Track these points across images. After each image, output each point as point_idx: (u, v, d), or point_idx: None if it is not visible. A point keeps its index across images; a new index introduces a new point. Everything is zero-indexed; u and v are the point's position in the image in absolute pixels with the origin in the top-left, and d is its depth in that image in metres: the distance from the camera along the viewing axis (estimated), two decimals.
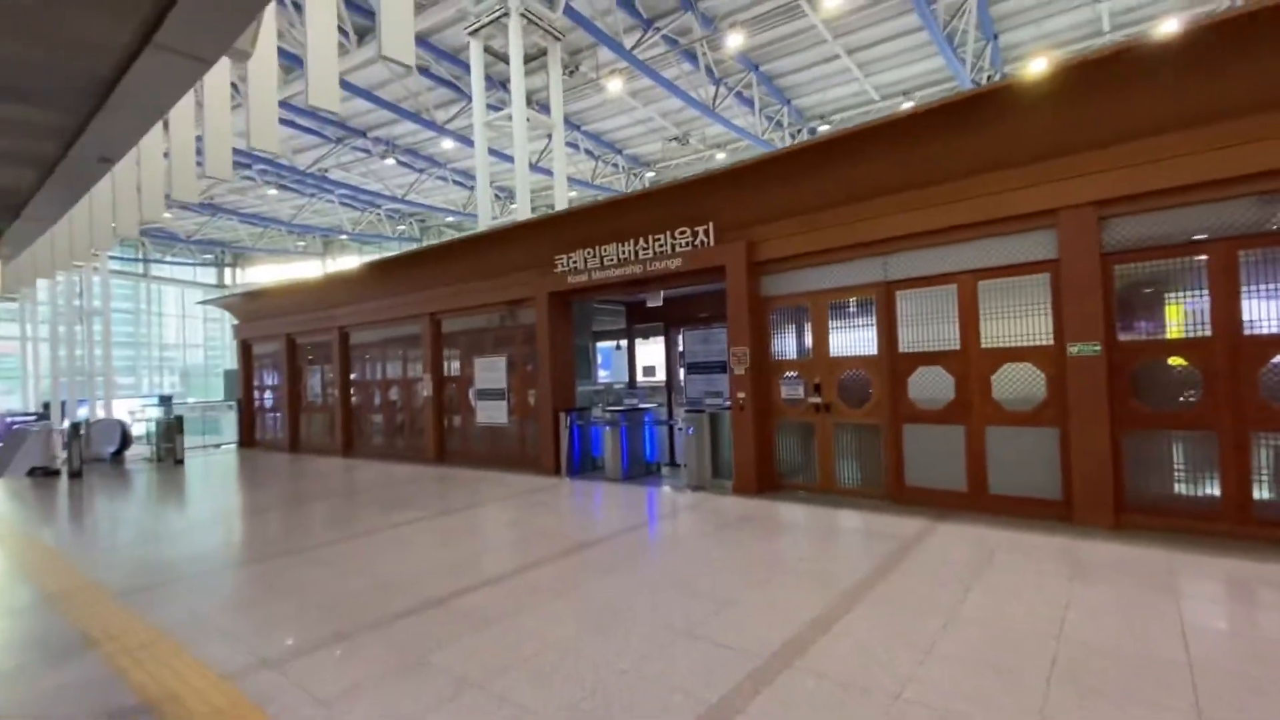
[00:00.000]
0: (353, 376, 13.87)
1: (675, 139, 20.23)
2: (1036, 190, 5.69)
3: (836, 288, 7.17)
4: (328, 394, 14.33)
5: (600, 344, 13.62)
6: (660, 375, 12.41)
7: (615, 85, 16.01)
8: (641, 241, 8.46)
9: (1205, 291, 5.13)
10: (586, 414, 9.59)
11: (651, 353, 13.14)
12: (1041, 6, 13.33)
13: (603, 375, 15.40)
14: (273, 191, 23.55)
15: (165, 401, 14.23)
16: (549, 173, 17.96)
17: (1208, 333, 5.11)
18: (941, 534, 5.49)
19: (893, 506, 6.56)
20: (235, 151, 19.47)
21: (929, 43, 14.20)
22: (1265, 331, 4.91)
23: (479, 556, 5.44)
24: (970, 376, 6.24)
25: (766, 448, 7.67)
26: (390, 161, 20.99)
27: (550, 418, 9.48)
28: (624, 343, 12.42)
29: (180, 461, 13.27)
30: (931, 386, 6.52)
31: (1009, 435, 6.04)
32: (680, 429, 8.04)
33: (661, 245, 8.28)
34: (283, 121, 18.11)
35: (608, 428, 8.93)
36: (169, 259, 32.37)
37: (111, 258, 30.64)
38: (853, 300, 7.08)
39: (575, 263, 9.18)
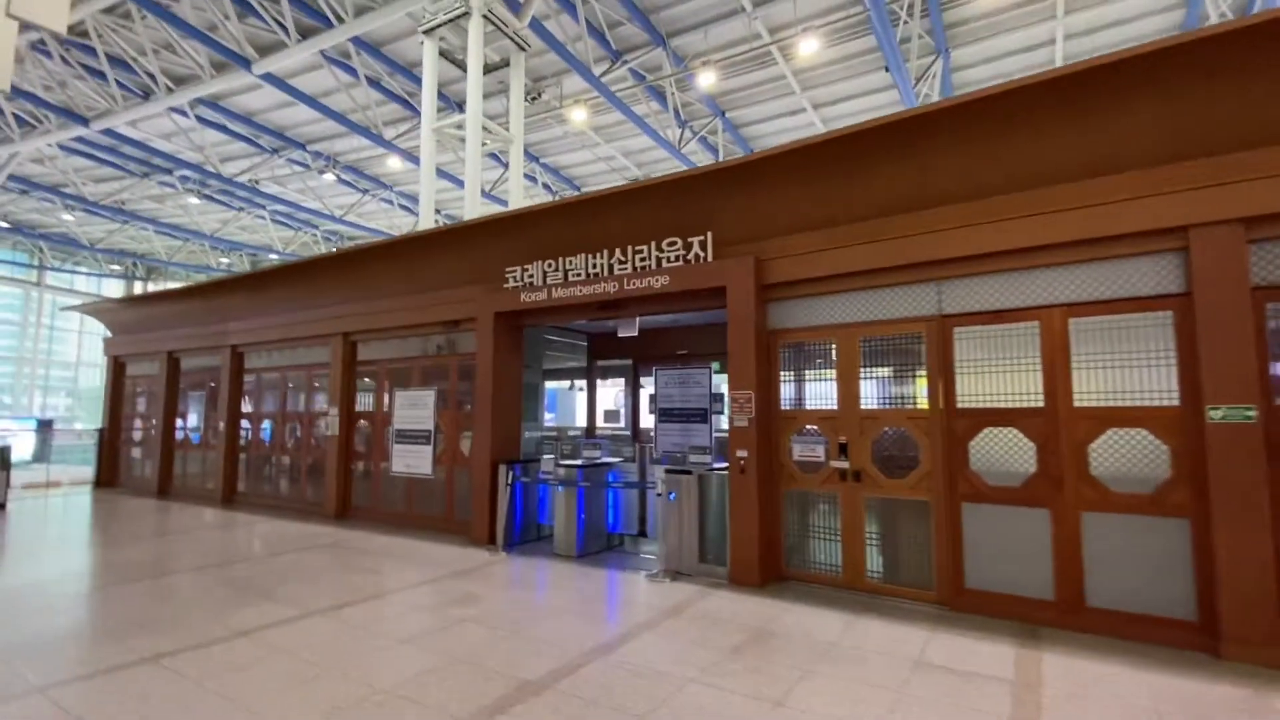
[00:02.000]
0: (245, 408, 11.33)
1: (637, 181, 19.12)
2: (1160, 201, 4.30)
3: (873, 320, 5.58)
4: (212, 427, 11.67)
5: (550, 383, 11.69)
6: (622, 421, 10.56)
7: (579, 115, 14.69)
8: (618, 253, 6.72)
9: None
10: (533, 468, 7.57)
11: (610, 395, 11.29)
12: (1000, 76, 12.87)
13: (548, 419, 13.41)
14: (194, 200, 20.78)
15: (44, 426, 11.28)
16: (504, 203, 16.38)
17: None
18: (1053, 675, 3.77)
19: (951, 617, 4.84)
20: (157, 154, 17.17)
21: (898, 102, 13.64)
22: None
23: (354, 713, 3.32)
24: (1059, 444, 4.69)
25: (773, 524, 5.87)
26: (330, 178, 18.82)
27: (487, 471, 7.40)
28: (581, 383, 10.53)
29: (1, 506, 10.28)
30: (1003, 455, 4.93)
31: (1116, 526, 4.47)
32: (658, 494, 6.17)
33: (644, 259, 6.55)
34: (211, 124, 15.97)
35: (561, 488, 6.94)
36: (69, 268, 28.48)
37: None
38: (894, 337, 5.49)
39: (531, 277, 7.32)
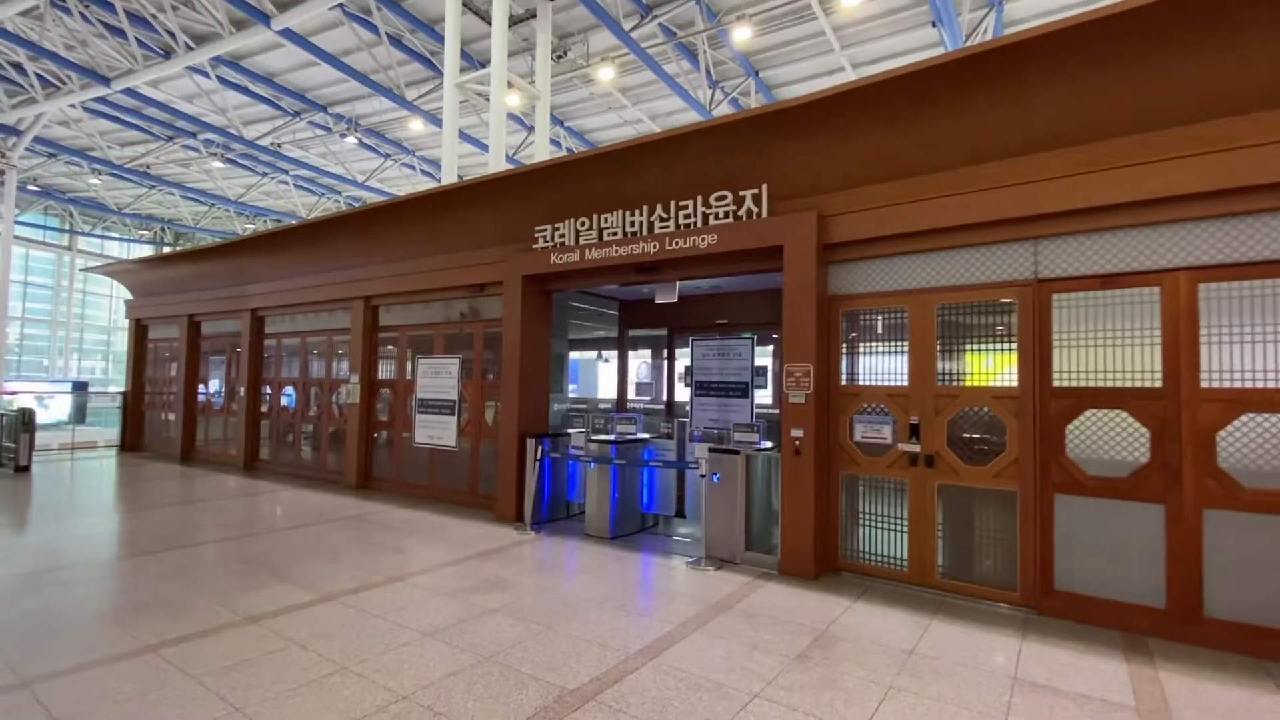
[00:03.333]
0: (266, 374, 11.03)
1: (681, 127, 18.22)
2: None
3: (954, 285, 4.91)
4: (233, 392, 11.43)
5: (574, 354, 11.20)
6: (653, 395, 10.03)
7: (606, 74, 13.85)
8: (659, 210, 6.09)
9: None
10: (561, 442, 7.09)
11: (640, 366, 10.74)
12: None
13: (570, 390, 12.98)
14: (218, 164, 20.42)
15: (79, 389, 11.17)
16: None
17: None
18: (1180, 701, 3.20)
19: (1039, 622, 4.27)
20: (181, 116, 16.77)
21: None
22: None
23: None
24: (1179, 430, 4.02)
25: (830, 511, 5.32)
26: (352, 141, 18.25)
27: (515, 445, 6.94)
28: (609, 353, 10.00)
29: (24, 468, 10.18)
30: (1108, 441, 4.28)
31: (1247, 527, 3.82)
32: (701, 475, 5.64)
33: (689, 216, 5.91)
34: (232, 85, 15.49)
35: (593, 464, 6.45)
36: (99, 233, 28.59)
37: (28, 224, 26.76)
38: (978, 305, 4.83)
39: (563, 236, 6.73)
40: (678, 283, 6.45)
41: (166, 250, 29.98)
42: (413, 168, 20.38)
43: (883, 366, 5.26)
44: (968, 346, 4.90)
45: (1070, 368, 4.42)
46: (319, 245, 9.57)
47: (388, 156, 19.74)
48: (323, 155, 20.10)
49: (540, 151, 13.09)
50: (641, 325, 9.10)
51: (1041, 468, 4.45)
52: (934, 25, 11.65)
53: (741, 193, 5.59)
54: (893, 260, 5.18)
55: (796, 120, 5.30)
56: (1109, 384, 4.28)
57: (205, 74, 14.70)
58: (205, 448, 11.93)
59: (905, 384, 5.08)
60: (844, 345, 5.42)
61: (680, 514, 6.80)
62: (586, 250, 6.46)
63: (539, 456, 6.59)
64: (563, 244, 6.68)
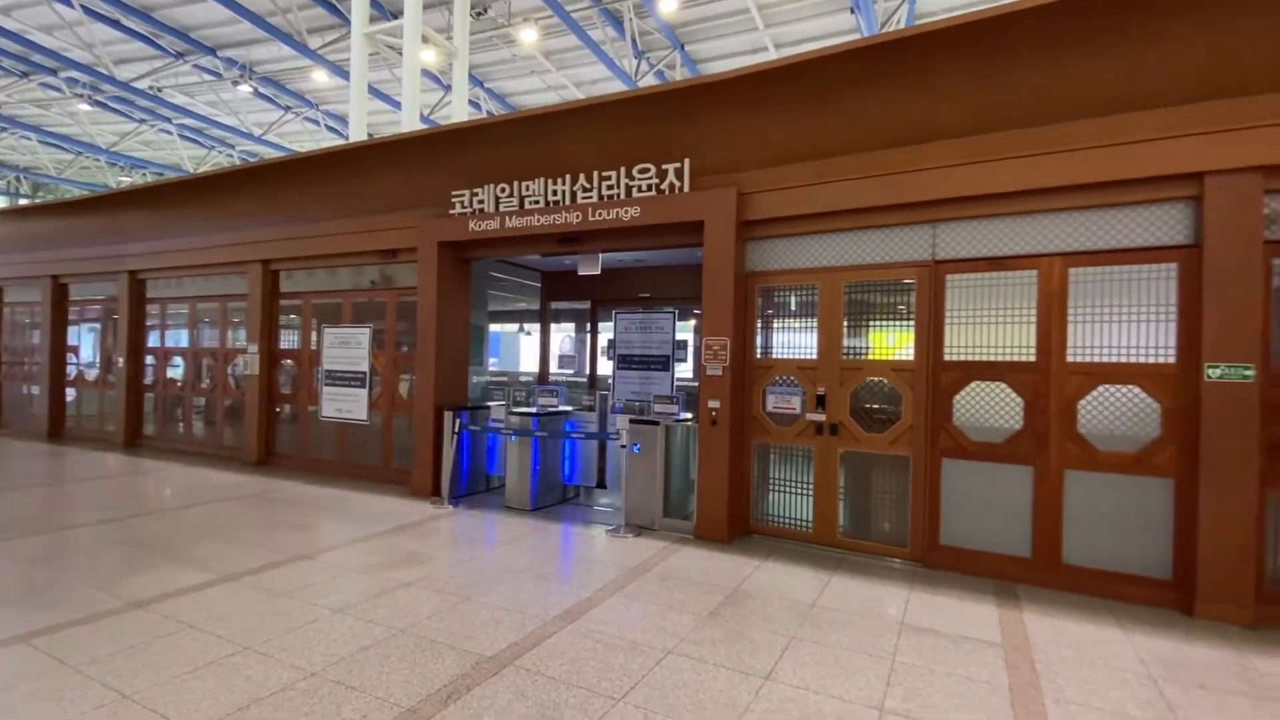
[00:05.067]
0: (150, 343, 10.08)
1: (607, 95, 17.91)
2: (1179, 144, 4.00)
3: (860, 264, 5.18)
4: (111, 363, 10.37)
5: (495, 326, 10.97)
6: (577, 368, 10.02)
7: (529, 36, 13.38)
8: (583, 179, 6.01)
9: None
10: (480, 415, 6.97)
11: (563, 339, 10.67)
12: None
13: (491, 364, 12.77)
14: (84, 107, 18.04)
15: None
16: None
17: None
18: (1040, 637, 3.64)
19: (926, 574, 4.69)
20: (37, 49, 14.56)
21: None
22: None
23: (276, 704, 2.78)
24: (1048, 400, 4.49)
25: (743, 478, 5.56)
26: (246, 90, 16.62)
27: (431, 418, 6.75)
28: (532, 326, 9.87)
29: None
30: (989, 410, 4.71)
31: (1098, 485, 4.35)
32: (621, 445, 5.72)
33: (612, 187, 5.88)
34: (101, 18, 13.59)
35: (514, 437, 6.39)
36: None
37: None
38: (881, 283, 5.13)
39: (481, 203, 6.52)
40: (600, 255, 6.43)
41: (24, 203, 26.45)
42: (317, 123, 18.96)
43: (794, 340, 5.51)
44: (871, 322, 5.21)
45: (960, 343, 4.82)
46: (211, 203, 8.78)
47: (288, 109, 18.25)
48: (212, 104, 18.29)
49: (458, 112, 12.55)
50: (564, 298, 9.03)
51: (932, 435, 4.85)
52: (852, 11, 12.05)
53: (664, 166, 5.62)
54: (806, 239, 5.40)
55: (718, 96, 5.36)
56: (992, 358, 4.70)
57: (67, 2, 12.93)
58: (78, 424, 10.82)
59: (814, 357, 5.35)
60: (759, 320, 5.63)
61: (601, 485, 6.89)
62: (507, 218, 6.30)
63: (457, 430, 6.46)
64: (482, 210, 6.48)
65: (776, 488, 5.55)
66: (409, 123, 11.23)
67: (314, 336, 8.21)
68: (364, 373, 7.66)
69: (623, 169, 5.82)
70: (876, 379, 5.13)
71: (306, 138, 20.54)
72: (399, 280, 7.50)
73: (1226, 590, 3.87)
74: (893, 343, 5.14)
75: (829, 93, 4.95)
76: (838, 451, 5.24)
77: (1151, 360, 4.22)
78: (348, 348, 7.78)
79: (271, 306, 8.55)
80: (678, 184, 5.57)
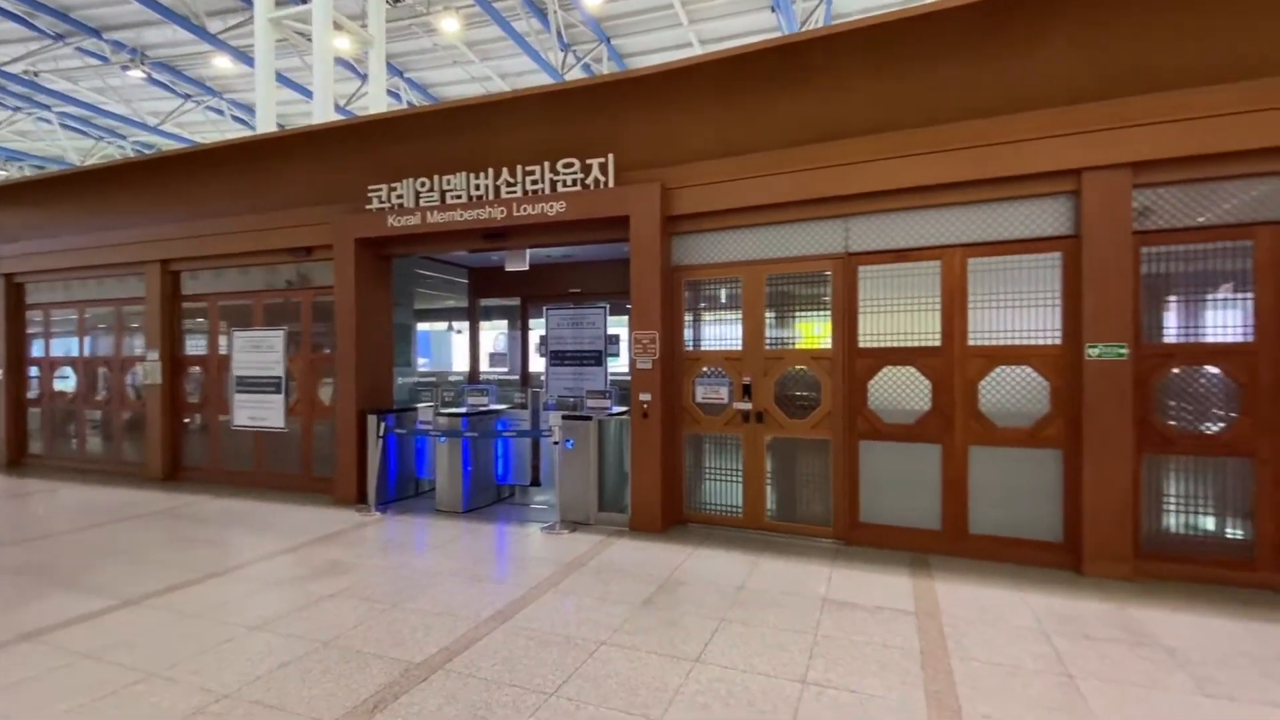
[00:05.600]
0: (32, 352, 9.19)
1: (530, 88, 17.62)
2: (1058, 143, 4.36)
3: (780, 258, 5.36)
4: None
5: (423, 325, 10.67)
6: (509, 366, 9.88)
7: (450, 25, 13.01)
8: (506, 174, 5.92)
9: (1248, 286, 4.14)
10: (408, 417, 6.77)
11: (494, 337, 10.49)
12: None
13: (421, 364, 12.44)
14: None
15: None
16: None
17: (1249, 338, 4.13)
18: (948, 602, 3.90)
19: (848, 551, 4.94)
20: None
21: None
22: None
23: None
24: (952, 382, 4.81)
25: (675, 468, 5.66)
26: (138, 76, 15.33)
27: (354, 423, 6.50)
28: (462, 324, 9.65)
29: None
30: (900, 393, 5.00)
31: (998, 459, 4.70)
32: (554, 442, 5.70)
33: (536, 181, 5.82)
34: None
35: (443, 439, 6.25)
36: None
37: None
38: (800, 276, 5.33)
39: (400, 198, 6.32)
40: (528, 250, 6.36)
41: None
42: (221, 112, 17.76)
43: (721, 332, 5.65)
44: (792, 313, 5.41)
45: (873, 331, 5.07)
46: (99, 199, 8.08)
47: (187, 97, 17.00)
48: (99, 90, 16.79)
49: (376, 103, 12.07)
50: (493, 294, 8.87)
51: (849, 418, 5.10)
52: (773, 10, 12.37)
53: (589, 161, 5.62)
54: (729, 233, 5.53)
55: (640, 92, 5.41)
56: (902, 344, 4.98)
57: None
58: None
59: (740, 348, 5.50)
60: (687, 313, 5.73)
61: (536, 482, 6.85)
62: (428, 213, 6.13)
63: (382, 434, 6.24)
64: (401, 206, 6.27)
65: (708, 476, 5.68)
66: (322, 113, 10.70)
67: (223, 341, 7.72)
68: (279, 378, 7.27)
69: (547, 164, 5.77)
70: (798, 367, 5.33)
71: (210, 128, 19.19)
72: (316, 279, 7.16)
73: (1109, 549, 4.28)
74: (812, 332, 5.35)
75: (747, 90, 5.09)
76: (764, 438, 5.42)
77: (1041, 342, 4.59)
78: (260, 352, 7.37)
79: (173, 310, 7.97)
80: (602, 179, 5.58)
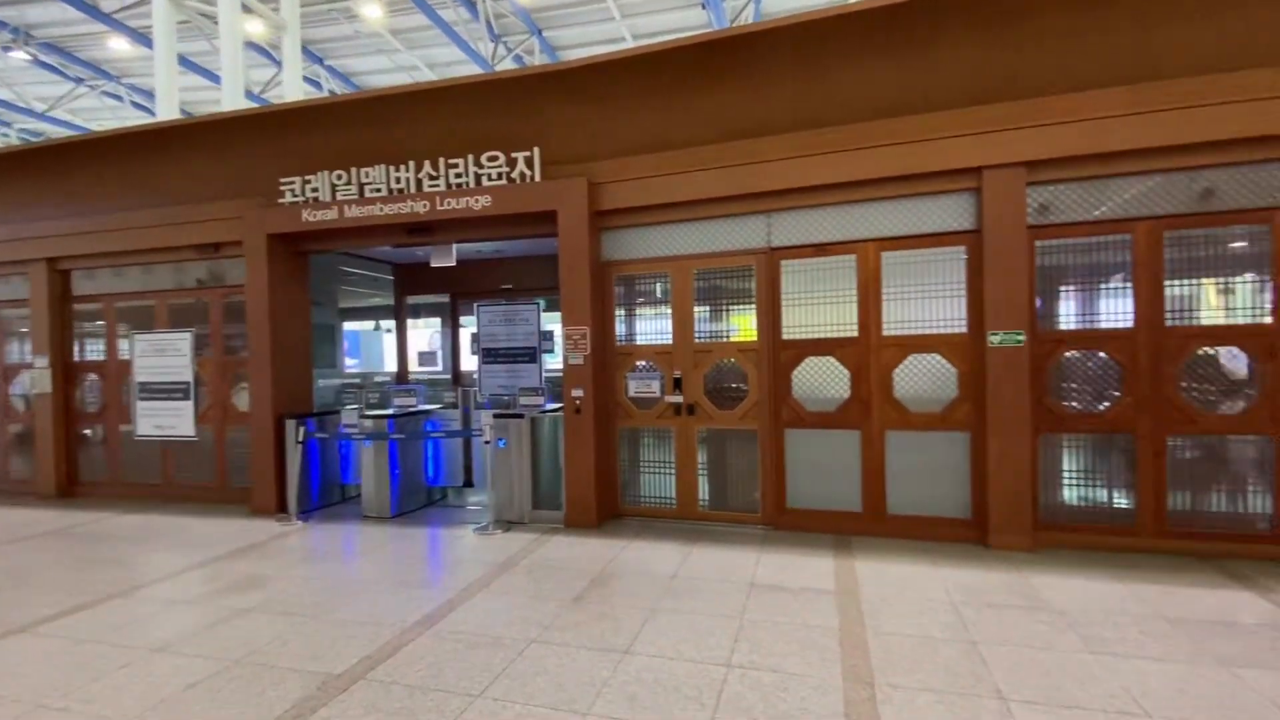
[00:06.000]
0: None
1: (452, 79, 17.12)
2: (960, 143, 4.62)
3: (706, 253, 5.46)
4: None
5: (353, 324, 10.27)
6: (440, 364, 9.63)
7: (373, 12, 12.52)
8: (429, 167, 5.76)
9: (1128, 276, 4.52)
10: (331, 421, 6.51)
11: (425, 335, 10.19)
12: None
13: (350, 365, 11.95)
14: None
15: None
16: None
17: (1129, 324, 4.51)
18: (867, 580, 4.10)
19: (776, 536, 5.10)
20: None
21: None
22: (1189, 323, 4.42)
23: None
24: (869, 370, 5.03)
25: (609, 463, 5.68)
26: (21, 57, 13.98)
27: (271, 428, 6.18)
28: (389, 323, 9.32)
29: None
30: (822, 382, 5.18)
31: (913, 442, 4.96)
32: (485, 441, 5.61)
33: (460, 175, 5.69)
34: None
35: (368, 442, 6.03)
36: None
37: None
38: (727, 270, 5.44)
39: (316, 191, 6.04)
40: (454, 246, 6.21)
41: None
42: (119, 98, 16.46)
43: (651, 327, 5.71)
44: (720, 307, 5.52)
45: (795, 323, 5.24)
46: None
47: (80, 81, 15.67)
48: None
49: (291, 91, 11.51)
50: (421, 291, 8.61)
51: (775, 408, 5.25)
52: (703, 6, 12.51)
53: (514, 154, 5.53)
54: (658, 228, 5.58)
55: (567, 85, 5.37)
56: (823, 335, 5.17)
57: None
58: None
59: (670, 342, 5.57)
60: (618, 308, 5.75)
61: (469, 484, 6.72)
62: (345, 207, 5.89)
63: (302, 439, 5.97)
64: (316, 199, 6.00)
65: (642, 469, 5.73)
66: (231, 100, 10.11)
67: (124, 345, 7.17)
68: (187, 383, 6.83)
69: (471, 156, 5.65)
70: (726, 360, 5.45)
71: (108, 114, 17.74)
72: (230, 278, 6.74)
73: (1011, 523, 4.59)
74: (739, 325, 5.48)
75: (673, 86, 5.14)
76: (695, 430, 5.51)
77: (949, 331, 4.87)
78: (166, 356, 6.89)
79: (63, 312, 7.35)
80: (529, 173, 5.51)
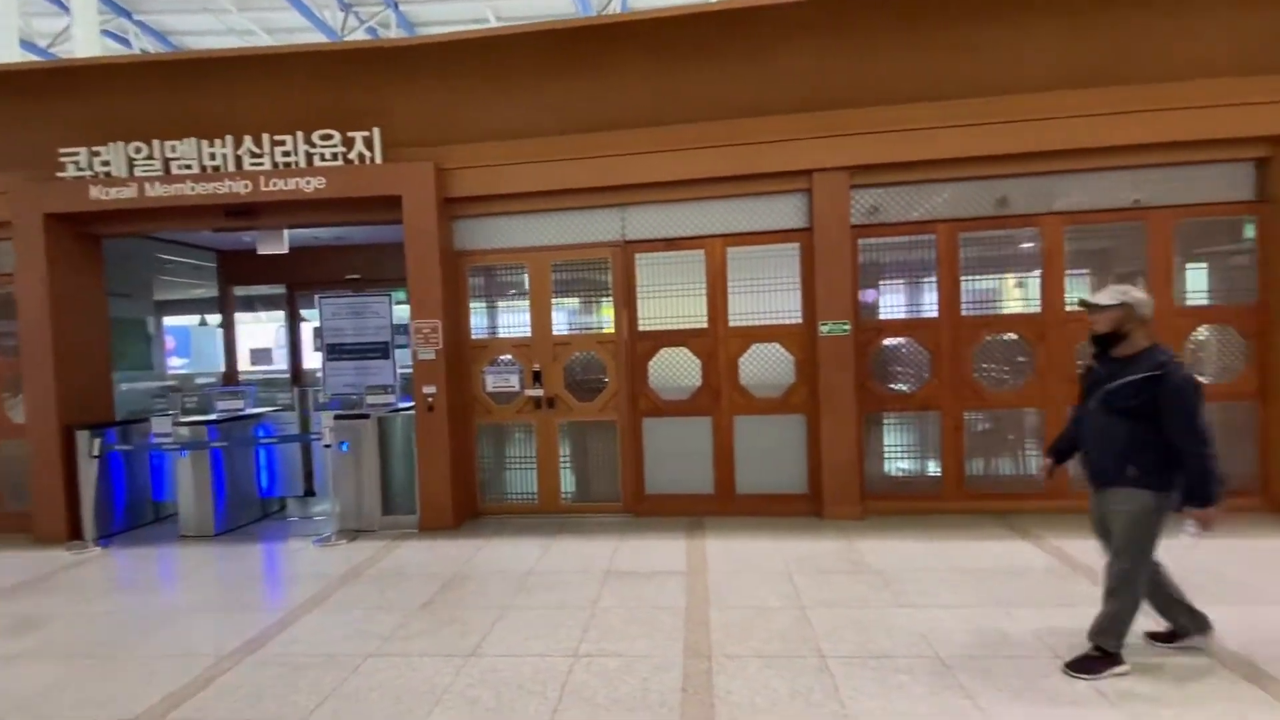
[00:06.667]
0: None
1: (277, 46, 15.50)
2: (794, 146, 4.95)
3: (564, 245, 5.42)
4: None
5: (173, 319, 9.06)
6: (280, 362, 8.78)
7: None
8: (250, 142, 5.17)
9: (934, 271, 5.12)
10: (139, 431, 5.68)
11: (271, 331, 9.23)
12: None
13: (176, 366, 10.65)
14: None
15: None
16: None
17: (934, 314, 5.11)
18: (715, 559, 4.32)
19: (635, 523, 5.22)
20: None
21: None
22: (982, 313, 5.08)
23: None
24: (718, 359, 5.29)
25: (467, 461, 5.49)
26: None
27: (56, 441, 5.27)
28: (217, 316, 8.33)
29: None
30: (676, 372, 5.37)
31: (758, 425, 5.29)
32: (325, 445, 5.18)
33: (289, 153, 5.17)
34: None
35: (184, 453, 5.34)
36: None
37: None
38: (584, 262, 5.44)
39: (107, 165, 5.21)
40: (285, 231, 5.65)
41: None
42: None
43: (509, 320, 5.59)
44: (578, 299, 5.52)
45: (650, 314, 5.38)
46: None
47: None
48: None
49: (86, 46, 9.83)
50: (252, 281, 7.75)
51: (633, 398, 5.36)
52: None
53: (351, 134, 5.13)
54: (513, 218, 5.45)
55: (412, 63, 5.10)
56: (676, 327, 5.35)
57: None
58: None
59: (529, 335, 5.48)
60: (473, 300, 5.56)
61: (311, 492, 6.18)
62: (147, 185, 5.13)
63: (98, 452, 5.15)
64: (108, 174, 5.17)
65: (504, 465, 5.61)
66: (3, 53, 8.44)
67: None
68: None
69: (301, 134, 5.15)
70: (585, 352, 5.46)
71: None
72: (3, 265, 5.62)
73: (842, 495, 5.05)
74: (597, 317, 5.51)
75: (528, 72, 5.06)
76: (556, 423, 5.48)
77: (787, 322, 5.24)
78: None
79: None
80: (369, 154, 5.13)
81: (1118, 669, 2.64)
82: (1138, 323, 2.61)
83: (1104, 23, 4.61)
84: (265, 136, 5.15)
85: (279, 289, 7.76)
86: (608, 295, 5.41)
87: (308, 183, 5.12)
